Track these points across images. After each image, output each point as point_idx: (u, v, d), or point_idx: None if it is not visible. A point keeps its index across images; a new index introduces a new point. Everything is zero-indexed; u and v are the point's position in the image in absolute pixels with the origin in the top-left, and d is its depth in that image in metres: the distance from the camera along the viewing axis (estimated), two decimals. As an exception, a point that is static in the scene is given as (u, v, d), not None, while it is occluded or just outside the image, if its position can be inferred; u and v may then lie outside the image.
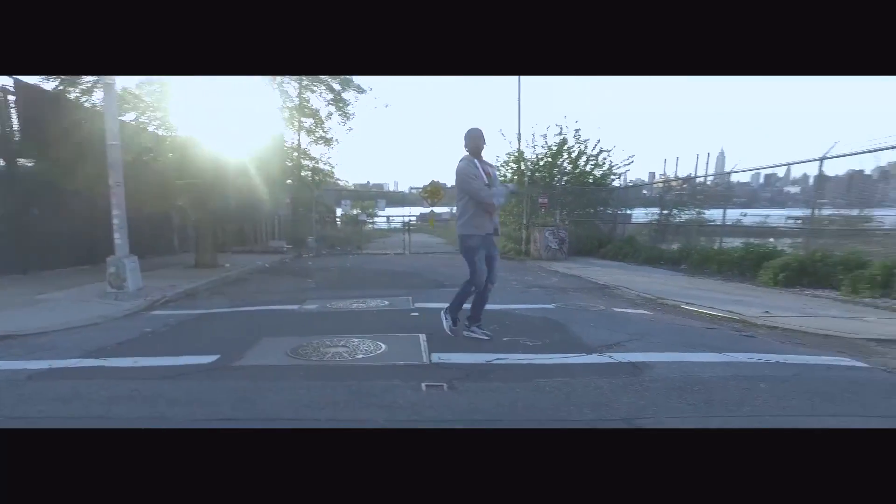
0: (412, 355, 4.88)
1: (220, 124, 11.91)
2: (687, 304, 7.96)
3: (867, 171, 17.14)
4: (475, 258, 5.28)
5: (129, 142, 9.89)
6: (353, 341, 5.36)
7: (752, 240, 13.52)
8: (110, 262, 8.73)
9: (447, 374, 4.24)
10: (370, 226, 28.53)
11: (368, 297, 8.67)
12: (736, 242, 13.63)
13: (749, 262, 11.69)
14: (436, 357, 4.79)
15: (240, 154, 12.87)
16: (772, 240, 13.64)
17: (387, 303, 8.08)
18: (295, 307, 7.75)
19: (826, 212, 15.11)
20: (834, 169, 11.99)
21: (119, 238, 8.85)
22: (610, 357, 4.82)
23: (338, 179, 25.88)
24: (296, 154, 15.28)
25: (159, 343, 5.59)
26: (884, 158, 10.99)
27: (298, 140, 19.87)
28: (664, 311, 7.77)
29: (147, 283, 9.08)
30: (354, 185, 33.42)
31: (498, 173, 18.81)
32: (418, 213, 30.24)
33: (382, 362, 4.66)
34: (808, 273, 10.09)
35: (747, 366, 4.55)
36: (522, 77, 21.50)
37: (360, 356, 4.84)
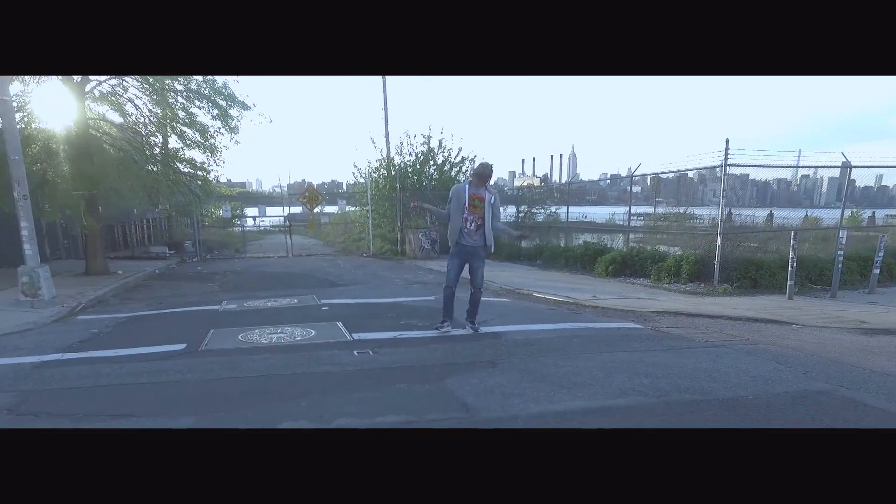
0: (338, 335, 6.53)
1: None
2: (537, 293, 10.27)
3: (690, 175, 21.27)
4: (448, 262, 6.57)
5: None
6: (287, 329, 6.87)
7: (591, 238, 16.43)
8: (22, 272, 9.33)
9: (368, 345, 5.97)
10: (240, 228, 28.86)
11: (277, 296, 10.01)
12: (581, 239, 16.43)
13: (588, 258, 14.42)
14: (356, 336, 6.48)
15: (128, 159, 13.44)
16: (620, 236, 16.60)
17: (296, 301, 9.51)
18: (216, 307, 8.94)
19: (661, 209, 18.68)
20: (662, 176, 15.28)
21: (29, 249, 9.48)
22: (479, 330, 6.80)
23: (217, 185, 26.06)
24: (184, 165, 15.82)
25: (117, 340, 6.63)
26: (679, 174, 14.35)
27: (163, 147, 19.85)
28: (519, 299, 10.01)
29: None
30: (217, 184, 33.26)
31: (371, 181, 20.33)
32: (287, 214, 30.82)
33: (318, 341, 6.26)
34: (629, 265, 12.97)
35: (568, 330, 6.78)
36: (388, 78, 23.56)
37: (299, 338, 6.40)
